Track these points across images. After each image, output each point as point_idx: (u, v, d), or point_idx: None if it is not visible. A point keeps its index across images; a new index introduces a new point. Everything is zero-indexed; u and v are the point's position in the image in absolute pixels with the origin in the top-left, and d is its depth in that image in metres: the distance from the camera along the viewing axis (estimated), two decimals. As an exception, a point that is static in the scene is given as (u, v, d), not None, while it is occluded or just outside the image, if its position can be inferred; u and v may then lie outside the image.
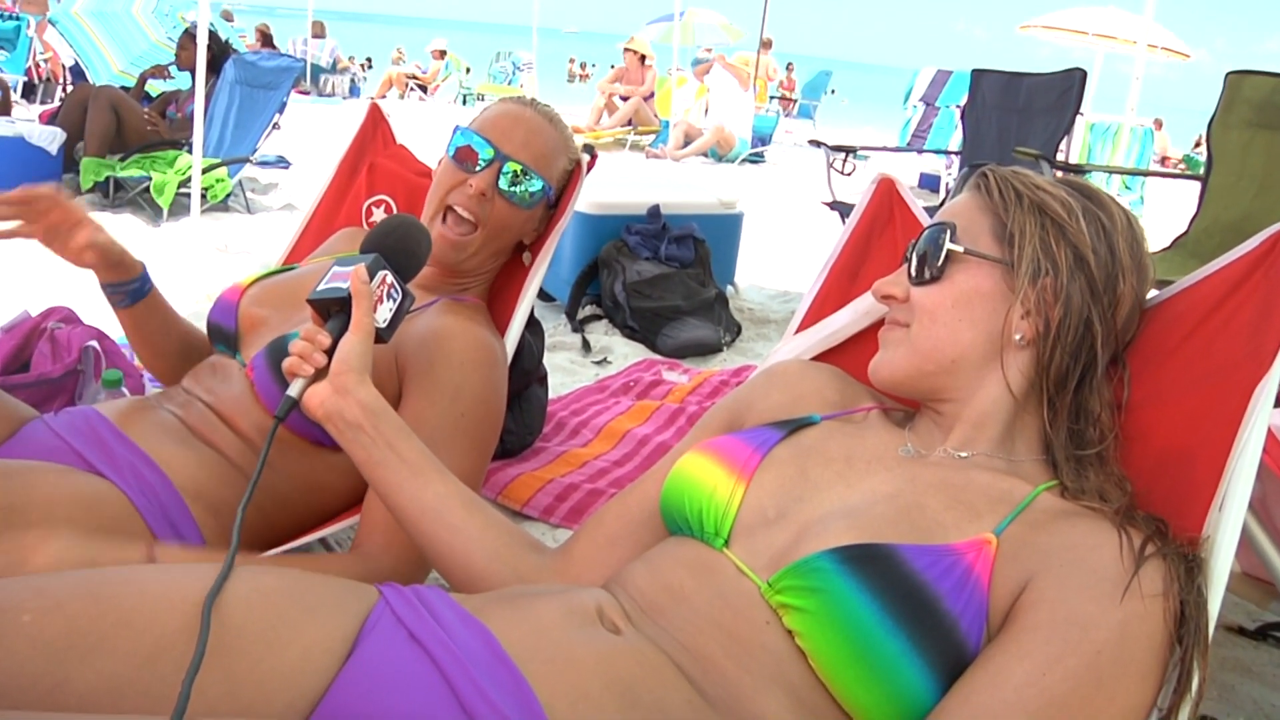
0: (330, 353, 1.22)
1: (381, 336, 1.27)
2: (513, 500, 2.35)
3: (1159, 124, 16.16)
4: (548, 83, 17.58)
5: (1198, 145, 19.23)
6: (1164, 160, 16.93)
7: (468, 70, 18.32)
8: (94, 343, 2.26)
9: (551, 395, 3.03)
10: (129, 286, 1.64)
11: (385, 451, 1.20)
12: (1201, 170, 4.07)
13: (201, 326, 1.79)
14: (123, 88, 6.53)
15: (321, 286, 1.26)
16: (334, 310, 1.25)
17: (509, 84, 17.06)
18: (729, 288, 4.57)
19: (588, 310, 4.09)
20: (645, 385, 3.32)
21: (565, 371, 3.48)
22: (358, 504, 1.58)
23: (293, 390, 1.21)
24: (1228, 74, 3.92)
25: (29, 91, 10.28)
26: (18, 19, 9.97)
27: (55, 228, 1.54)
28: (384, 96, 16.45)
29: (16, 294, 3.51)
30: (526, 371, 2.55)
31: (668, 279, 3.94)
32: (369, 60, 20.12)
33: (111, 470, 1.40)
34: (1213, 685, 0.96)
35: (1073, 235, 1.12)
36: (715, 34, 17.74)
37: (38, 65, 10.62)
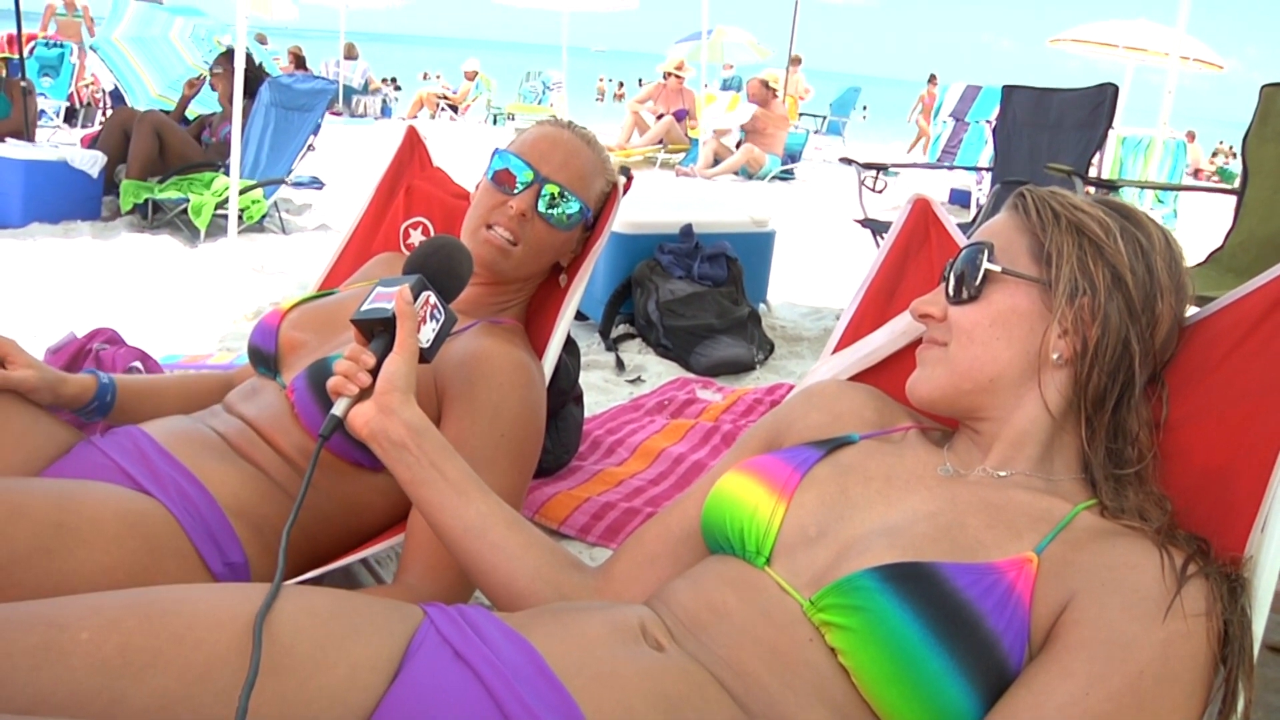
0: (374, 373, 1.23)
1: (424, 357, 1.28)
2: (550, 519, 2.36)
3: (1191, 136, 16.04)
4: (577, 102, 17.66)
5: (1229, 155, 19.02)
6: (1197, 173, 16.77)
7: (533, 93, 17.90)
8: (138, 363, 2.29)
9: (586, 414, 3.04)
10: (89, 408, 1.63)
11: (429, 471, 1.21)
12: (1235, 182, 4.04)
13: (238, 346, 1.81)
14: (162, 111, 6.64)
15: (366, 307, 1.27)
16: (378, 330, 1.26)
17: (539, 103, 17.18)
18: (761, 306, 4.57)
19: (621, 329, 4.10)
20: (679, 404, 3.32)
21: (599, 390, 3.49)
22: (398, 524, 1.60)
23: (337, 409, 1.22)
24: (1263, 87, 3.89)
25: (70, 116, 10.48)
26: (61, 47, 10.17)
27: None
28: (414, 116, 16.61)
29: (63, 316, 3.58)
30: (563, 391, 2.56)
31: (701, 297, 3.95)
32: (394, 80, 20.27)
33: (157, 488, 1.42)
34: (1256, 707, 0.96)
35: (1110, 255, 1.12)
36: (744, 52, 17.81)
37: (79, 90, 10.83)
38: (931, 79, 16.58)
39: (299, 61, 13.73)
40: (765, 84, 11.47)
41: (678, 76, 12.75)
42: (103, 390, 1.64)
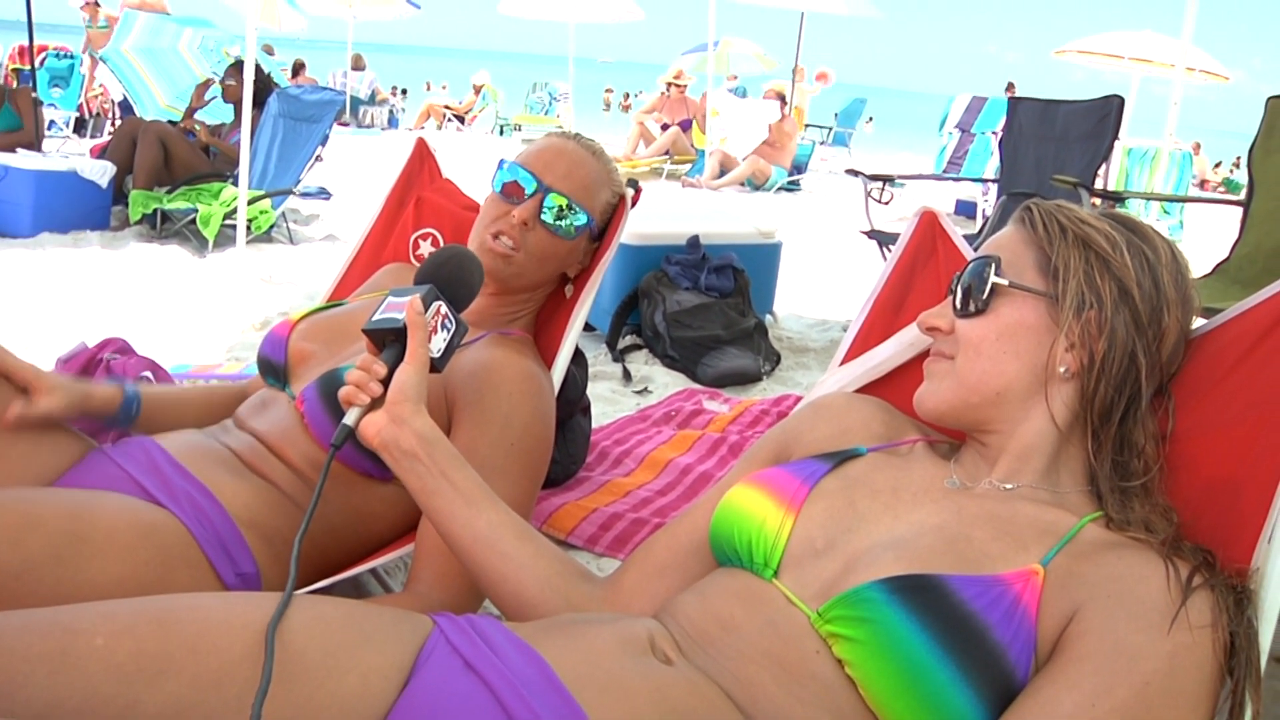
0: (385, 382, 1.24)
1: (435, 366, 1.28)
2: (557, 529, 2.37)
3: (1197, 147, 16.02)
4: (583, 113, 17.67)
5: (1235, 168, 19.03)
6: (1203, 184, 16.77)
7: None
8: (148, 373, 2.31)
9: (593, 425, 3.05)
10: (115, 419, 1.64)
11: (439, 480, 1.22)
12: (1241, 194, 4.03)
13: (246, 356, 1.82)
14: (170, 121, 6.67)
15: (377, 316, 1.28)
16: (389, 340, 1.27)
17: (545, 114, 17.22)
18: (768, 317, 4.58)
19: (628, 340, 4.11)
20: (686, 415, 3.33)
21: (607, 401, 3.50)
22: (407, 534, 1.61)
23: (349, 419, 1.22)
24: (1270, 98, 3.89)
25: (80, 126, 10.54)
26: (71, 58, 10.25)
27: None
28: (421, 127, 16.67)
29: (73, 325, 3.60)
30: (570, 401, 2.57)
31: (707, 309, 3.96)
32: (403, 90, 20.33)
33: (169, 500, 1.43)
34: (1263, 719, 0.96)
35: (1117, 269, 1.12)
36: (750, 63, 17.83)
37: (88, 101, 10.90)
38: (1009, 87, 14.85)
39: (295, 70, 13.81)
40: (782, 96, 11.49)
41: (678, 86, 12.77)
42: (128, 403, 1.65)
